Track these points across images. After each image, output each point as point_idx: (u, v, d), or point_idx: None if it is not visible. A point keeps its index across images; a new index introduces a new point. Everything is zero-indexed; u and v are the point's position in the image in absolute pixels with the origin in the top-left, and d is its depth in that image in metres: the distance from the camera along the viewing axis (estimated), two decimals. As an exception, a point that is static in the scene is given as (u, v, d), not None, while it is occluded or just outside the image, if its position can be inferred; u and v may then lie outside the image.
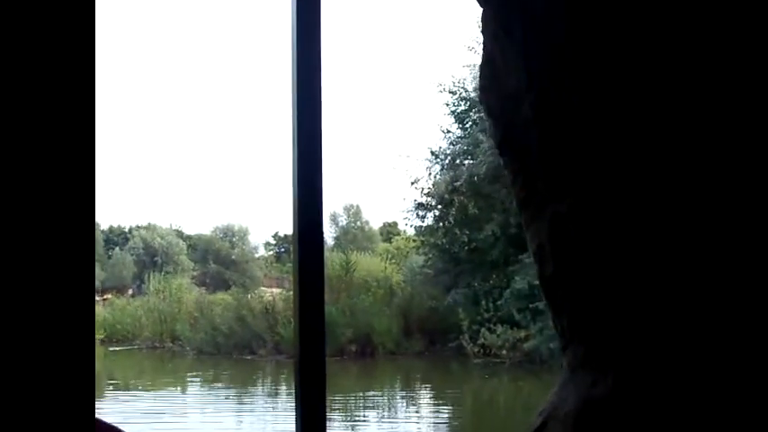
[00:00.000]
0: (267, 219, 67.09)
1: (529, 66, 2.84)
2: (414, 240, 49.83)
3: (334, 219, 62.84)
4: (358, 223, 63.56)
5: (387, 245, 55.46)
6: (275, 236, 63.37)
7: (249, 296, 32.48)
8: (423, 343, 28.97)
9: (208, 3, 55.45)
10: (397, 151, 65.51)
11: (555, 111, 2.67)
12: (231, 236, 62.19)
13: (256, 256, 61.38)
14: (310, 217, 2.68)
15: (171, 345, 32.68)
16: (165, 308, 34.34)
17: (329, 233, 61.43)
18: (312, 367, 2.70)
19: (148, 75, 58.78)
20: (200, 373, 28.55)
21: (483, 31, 3.22)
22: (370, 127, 59.92)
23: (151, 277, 39.75)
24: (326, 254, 36.73)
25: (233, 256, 59.87)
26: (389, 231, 64.03)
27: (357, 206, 63.25)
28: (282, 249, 60.04)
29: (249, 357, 28.72)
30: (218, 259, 59.21)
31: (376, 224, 63.13)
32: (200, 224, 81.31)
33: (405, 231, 63.48)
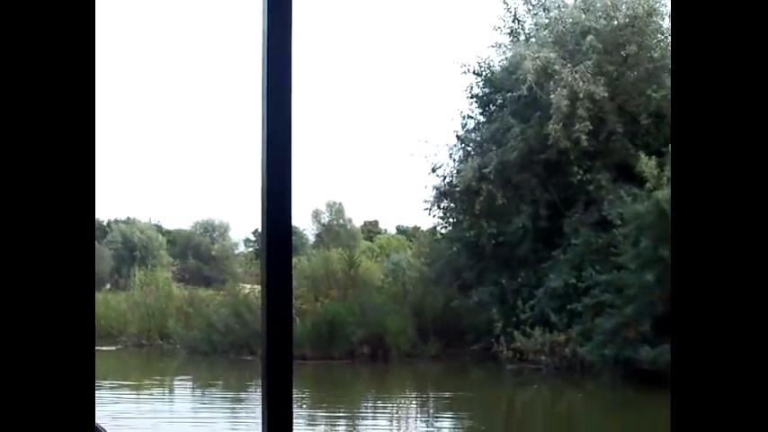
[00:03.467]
0: (248, 215, 65.07)
1: None
2: (397, 240, 47.86)
3: (316, 216, 61.41)
4: (341, 221, 62.18)
5: (368, 243, 54.07)
6: (255, 232, 61.78)
7: (246, 291, 29.94)
8: (439, 345, 26.47)
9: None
10: (390, 141, 63.93)
11: None
12: (212, 231, 61.08)
13: (236, 252, 60.16)
14: (279, 217, 2.54)
15: (160, 342, 30.13)
16: (153, 303, 31.79)
17: (311, 230, 59.97)
18: (280, 369, 2.51)
19: (127, 67, 56.74)
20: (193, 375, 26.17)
21: None
22: (364, 118, 57.86)
23: (136, 271, 37.47)
24: (319, 252, 34.79)
25: (213, 252, 58.77)
26: (370, 230, 62.70)
27: (340, 203, 61.75)
28: (262, 246, 58.44)
29: (249, 358, 26.14)
30: (197, 255, 57.90)
31: (358, 222, 61.97)
32: (180, 219, 79.91)
33: (386, 230, 62.42)
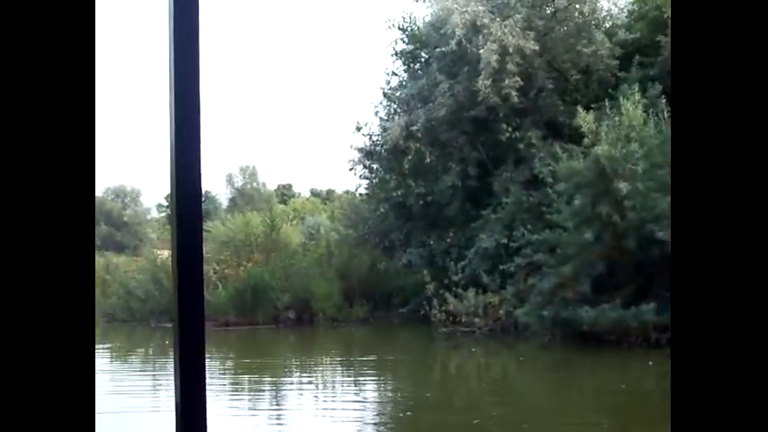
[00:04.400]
0: (159, 180, 64.03)
1: None
2: (312, 202, 47.34)
3: (229, 180, 60.63)
4: (254, 184, 61.59)
5: (283, 206, 53.50)
6: (167, 197, 60.38)
7: (165, 256, 28.97)
8: (367, 309, 25.90)
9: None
10: (309, 101, 63.14)
11: None
12: (123, 197, 60.11)
13: (149, 217, 59.43)
14: (188, 181, 2.44)
15: (75, 311, 29.06)
16: (67, 269, 30.62)
17: (224, 194, 59.32)
18: (191, 335, 2.45)
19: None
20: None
21: None
22: (282, 78, 56.65)
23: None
24: (236, 216, 33.91)
25: (125, 218, 57.80)
26: (284, 193, 62.06)
27: (253, 167, 61.06)
28: (176, 211, 57.44)
29: (170, 325, 25.20)
30: (109, 221, 56.74)
31: (272, 186, 61.64)
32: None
33: (300, 193, 61.79)
